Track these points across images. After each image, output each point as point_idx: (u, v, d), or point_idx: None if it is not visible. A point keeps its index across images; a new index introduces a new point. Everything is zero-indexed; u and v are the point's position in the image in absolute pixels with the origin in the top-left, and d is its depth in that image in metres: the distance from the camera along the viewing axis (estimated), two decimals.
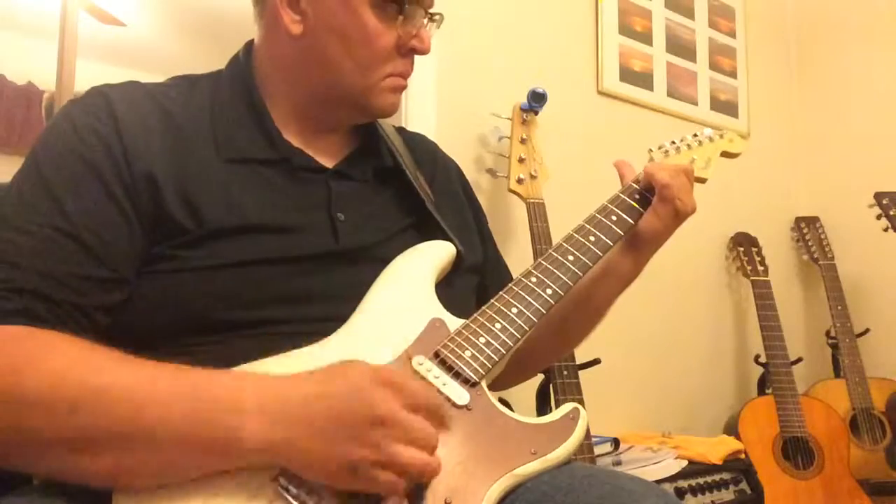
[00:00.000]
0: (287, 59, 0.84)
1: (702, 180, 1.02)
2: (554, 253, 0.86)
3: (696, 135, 1.06)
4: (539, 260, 0.85)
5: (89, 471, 0.60)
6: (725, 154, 1.07)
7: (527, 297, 0.80)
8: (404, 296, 0.80)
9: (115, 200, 0.71)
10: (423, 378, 0.71)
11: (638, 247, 0.93)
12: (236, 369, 0.67)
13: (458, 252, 0.87)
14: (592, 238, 0.88)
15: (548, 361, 1.07)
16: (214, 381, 0.63)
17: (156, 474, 0.60)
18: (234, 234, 0.74)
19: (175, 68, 0.93)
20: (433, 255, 0.85)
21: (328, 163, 0.86)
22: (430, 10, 0.86)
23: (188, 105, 0.81)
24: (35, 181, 0.70)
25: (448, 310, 0.80)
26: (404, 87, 0.87)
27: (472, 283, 0.92)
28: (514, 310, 0.79)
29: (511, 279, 0.84)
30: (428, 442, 0.63)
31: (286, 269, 0.75)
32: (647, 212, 0.91)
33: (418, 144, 1.01)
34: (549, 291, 0.82)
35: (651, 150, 1.02)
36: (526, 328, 0.78)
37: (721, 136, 1.08)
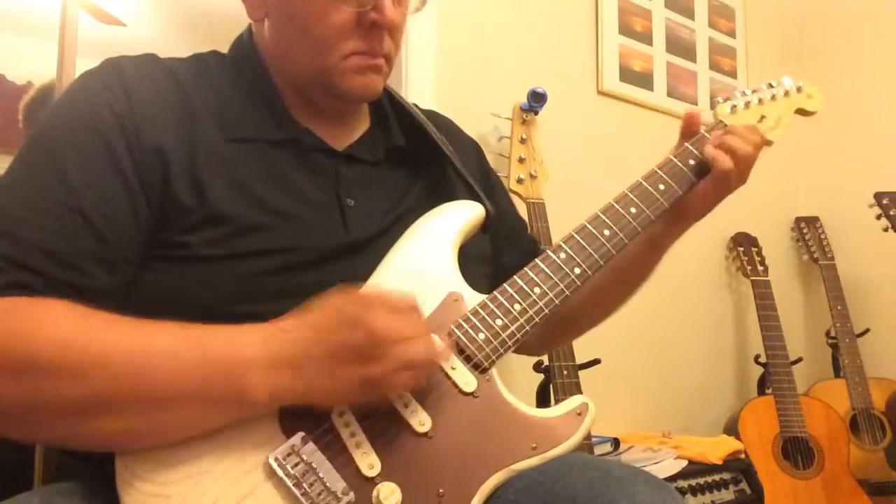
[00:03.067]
0: (266, 42, 0.82)
1: (768, 143, 0.89)
2: (588, 226, 0.78)
3: (771, 85, 0.93)
4: (571, 232, 0.78)
5: (100, 433, 0.60)
6: (801, 112, 0.95)
7: (553, 276, 0.75)
8: (424, 262, 0.75)
9: (123, 176, 0.69)
10: None
11: (685, 219, 0.86)
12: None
13: (487, 213, 0.81)
14: (633, 210, 0.79)
15: (583, 329, 1.02)
16: (218, 335, 0.63)
17: (167, 431, 0.61)
18: (238, 220, 0.72)
19: None
20: (456, 218, 0.79)
21: (339, 144, 0.82)
22: None
23: (198, 83, 0.78)
24: (43, 152, 0.69)
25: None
26: (377, 66, 0.79)
27: (483, 270, 0.85)
28: (538, 290, 0.74)
29: (532, 247, 0.80)
30: (421, 331, 0.65)
31: (294, 259, 0.73)
32: (701, 186, 0.82)
33: (438, 121, 0.97)
34: (577, 271, 0.76)
35: (718, 102, 0.90)
36: (547, 311, 0.74)
37: (799, 90, 0.94)
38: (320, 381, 0.62)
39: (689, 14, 2.33)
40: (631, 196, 0.81)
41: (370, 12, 0.75)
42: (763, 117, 0.90)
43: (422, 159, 0.87)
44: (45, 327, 0.60)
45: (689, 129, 0.89)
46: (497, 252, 0.90)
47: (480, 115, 1.72)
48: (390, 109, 0.89)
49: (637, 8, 2.17)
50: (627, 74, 2.12)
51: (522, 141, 1.65)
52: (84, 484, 0.65)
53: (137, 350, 0.60)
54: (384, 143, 0.86)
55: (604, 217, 0.79)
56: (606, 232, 0.78)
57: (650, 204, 0.80)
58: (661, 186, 0.81)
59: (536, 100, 1.66)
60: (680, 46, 2.29)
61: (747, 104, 0.90)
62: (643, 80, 2.16)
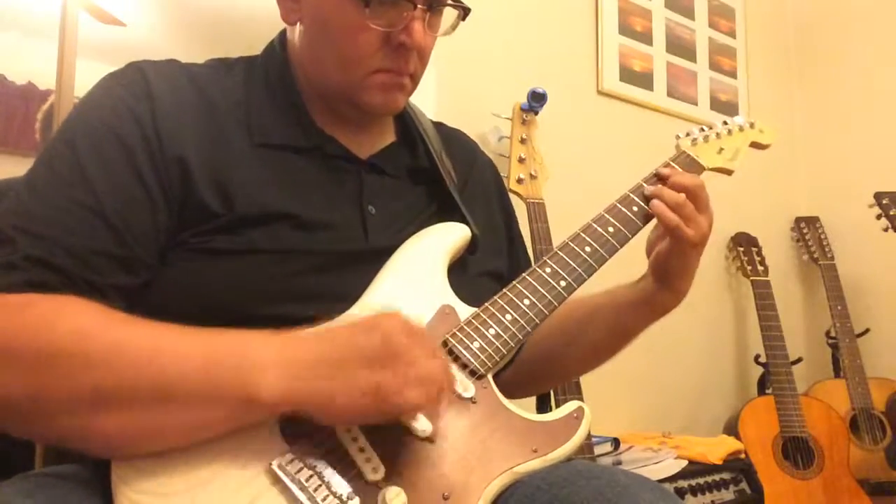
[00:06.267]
0: (295, 47, 0.83)
1: (728, 172, 0.99)
2: (571, 243, 0.84)
3: (725, 122, 1.03)
4: (555, 249, 0.83)
5: (103, 430, 0.59)
6: (755, 145, 1.03)
7: (540, 288, 0.79)
8: (415, 279, 0.78)
9: (143, 181, 0.70)
10: None
11: (671, 281, 0.89)
12: None
13: (473, 235, 0.85)
14: (611, 229, 0.85)
15: (573, 376, 1.03)
16: (229, 337, 0.63)
17: (170, 432, 0.59)
18: (264, 223, 0.73)
19: None
20: (446, 238, 0.83)
21: (363, 153, 0.84)
22: (436, 2, 0.80)
23: (224, 88, 0.80)
24: (66, 152, 0.69)
25: (458, 296, 0.79)
26: (401, 85, 0.81)
27: (491, 285, 0.85)
28: (527, 301, 0.78)
29: None
30: (436, 352, 0.64)
31: (315, 263, 0.74)
32: (666, 250, 0.87)
33: (457, 141, 1.00)
34: (562, 283, 0.80)
35: (678, 137, 0.99)
36: (537, 321, 0.77)
37: (752, 126, 1.04)
38: (330, 383, 0.61)
39: (689, 14, 2.33)
40: (608, 217, 0.87)
41: (400, 33, 0.77)
42: (722, 149, 0.99)
43: (441, 182, 0.89)
44: (66, 318, 0.61)
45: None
46: (509, 275, 0.93)
47: (480, 115, 1.72)
48: (417, 133, 0.91)
49: (637, 8, 2.17)
50: (627, 74, 2.12)
51: (522, 141, 1.65)
52: (83, 468, 0.65)
53: (149, 344, 0.60)
54: (408, 161, 0.88)
55: (584, 236, 0.84)
56: (587, 249, 0.83)
57: (626, 223, 0.86)
58: (635, 208, 0.87)
59: (536, 100, 1.66)
60: (680, 46, 2.29)
61: (706, 138, 0.99)
62: (643, 80, 2.16)
